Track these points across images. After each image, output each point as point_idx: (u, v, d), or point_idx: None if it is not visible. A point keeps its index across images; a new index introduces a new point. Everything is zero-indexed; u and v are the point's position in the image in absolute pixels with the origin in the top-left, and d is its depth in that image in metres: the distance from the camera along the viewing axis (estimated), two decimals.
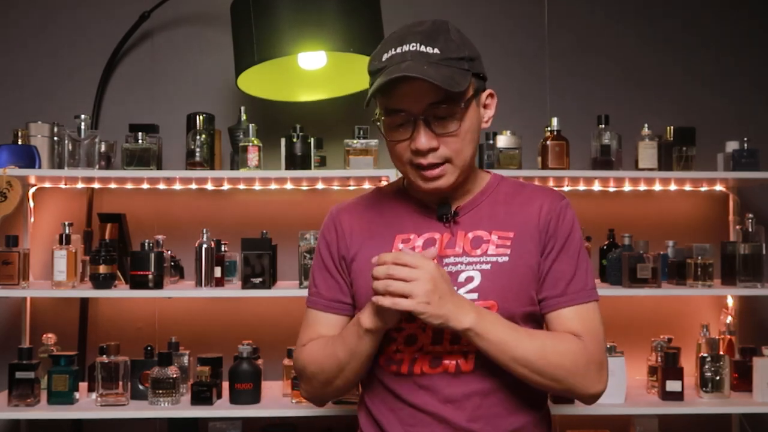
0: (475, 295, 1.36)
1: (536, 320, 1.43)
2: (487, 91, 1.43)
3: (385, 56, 1.35)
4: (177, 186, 2.59)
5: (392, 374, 1.40)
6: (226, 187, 2.61)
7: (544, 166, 2.44)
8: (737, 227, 2.52)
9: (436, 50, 1.32)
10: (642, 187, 2.64)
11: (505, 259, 1.38)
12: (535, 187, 1.50)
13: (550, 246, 1.41)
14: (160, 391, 2.23)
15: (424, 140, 1.33)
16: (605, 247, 2.56)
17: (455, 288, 1.36)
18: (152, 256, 2.30)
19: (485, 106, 1.43)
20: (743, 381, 2.41)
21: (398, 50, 1.33)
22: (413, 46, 1.32)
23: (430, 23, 1.37)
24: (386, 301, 1.25)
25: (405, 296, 1.25)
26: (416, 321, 1.37)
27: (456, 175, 1.38)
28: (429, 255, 1.30)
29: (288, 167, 2.42)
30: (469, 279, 1.37)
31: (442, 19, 1.40)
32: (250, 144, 2.37)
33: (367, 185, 2.55)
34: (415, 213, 1.46)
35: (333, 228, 1.49)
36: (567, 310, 1.39)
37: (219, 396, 2.33)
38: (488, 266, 1.37)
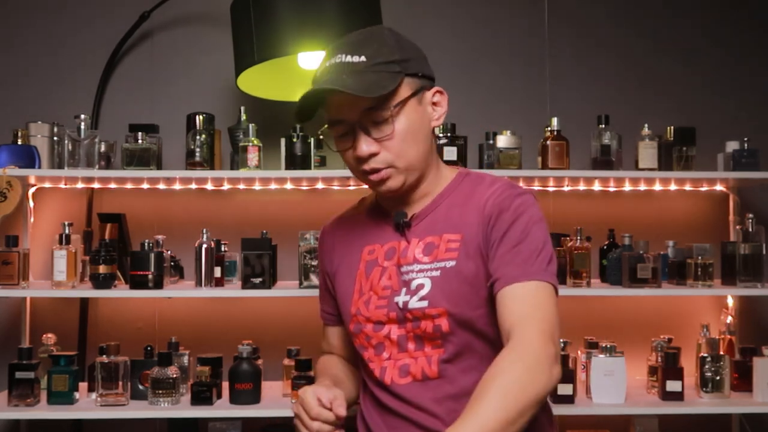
0: (425, 303, 1.35)
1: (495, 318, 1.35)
2: (434, 89, 1.41)
3: (319, 71, 1.37)
4: (177, 186, 2.59)
5: (374, 381, 1.43)
6: (226, 187, 2.61)
7: (544, 166, 2.44)
8: (737, 227, 2.52)
9: (362, 58, 1.32)
10: (642, 187, 2.64)
11: (452, 263, 1.35)
12: (492, 179, 1.42)
13: (492, 239, 1.34)
14: (160, 391, 2.23)
15: (363, 147, 1.34)
16: (605, 247, 2.56)
17: (408, 297, 1.36)
18: (152, 256, 2.29)
19: (434, 104, 1.41)
20: (743, 381, 2.41)
21: (327, 64, 1.35)
22: (338, 58, 1.34)
23: (365, 32, 1.39)
24: None
25: None
26: (382, 330, 1.39)
27: (403, 177, 1.38)
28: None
29: (288, 167, 2.42)
30: (420, 286, 1.36)
31: (383, 25, 1.43)
32: (250, 144, 2.37)
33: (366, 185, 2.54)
34: (381, 223, 1.47)
35: (321, 246, 1.59)
36: (508, 289, 1.28)
37: (219, 396, 2.33)
38: (438, 272, 1.36)
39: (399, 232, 1.43)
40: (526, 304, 1.27)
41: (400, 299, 1.37)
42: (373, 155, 1.35)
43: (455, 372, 1.36)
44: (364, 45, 1.34)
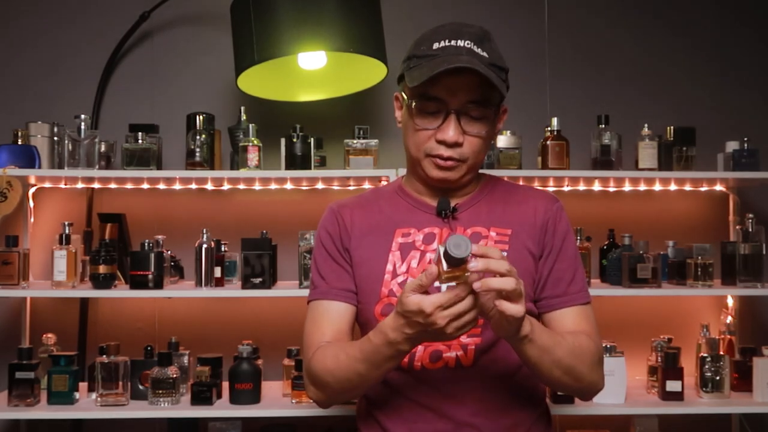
0: None
1: (535, 316, 1.43)
2: (504, 106, 1.46)
3: (436, 45, 1.37)
4: (177, 186, 2.59)
5: (393, 370, 1.40)
6: (226, 187, 2.61)
7: (544, 166, 2.44)
8: (737, 227, 2.52)
9: (485, 54, 1.35)
10: (642, 187, 2.64)
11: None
12: (529, 187, 1.56)
13: (548, 247, 1.45)
14: (160, 391, 2.23)
15: (452, 133, 1.36)
16: (605, 247, 2.56)
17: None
18: (152, 256, 2.29)
19: (499, 120, 1.46)
20: (743, 381, 2.41)
21: (452, 43, 1.36)
22: (467, 44, 1.35)
23: (477, 27, 1.40)
24: (513, 309, 1.16)
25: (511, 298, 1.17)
26: None
27: (464, 172, 1.42)
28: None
29: (288, 167, 2.42)
30: None
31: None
32: (250, 144, 2.37)
33: (367, 185, 2.55)
34: (414, 209, 1.48)
35: (335, 221, 1.50)
36: (569, 309, 1.42)
37: (219, 396, 2.33)
38: None
39: (443, 219, 1.45)
40: (590, 325, 1.43)
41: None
42: (457, 145, 1.37)
43: (488, 362, 1.39)
44: (483, 41, 1.37)
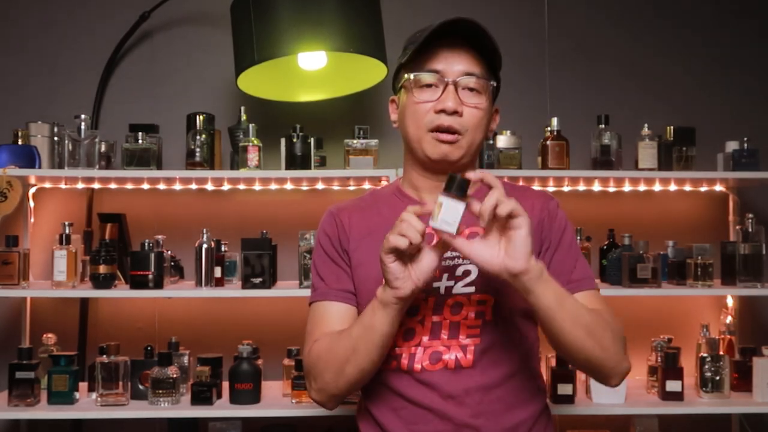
0: (472, 289, 1.38)
1: (532, 318, 1.42)
2: (496, 106, 1.48)
3: (436, 24, 1.41)
4: (177, 186, 2.59)
5: (392, 371, 1.41)
6: (226, 187, 2.61)
7: (544, 166, 2.44)
8: (737, 227, 2.52)
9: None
10: (642, 187, 2.64)
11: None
12: (526, 188, 1.57)
13: (546, 242, 1.44)
14: (160, 391, 2.23)
15: (451, 103, 1.38)
16: (605, 247, 2.56)
17: (452, 282, 1.38)
18: (152, 256, 2.30)
19: (492, 119, 1.48)
20: (743, 381, 2.41)
21: (447, 21, 1.41)
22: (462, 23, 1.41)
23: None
24: (509, 205, 1.22)
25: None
26: (417, 315, 1.38)
27: (464, 151, 1.42)
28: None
29: (288, 167, 2.42)
30: (467, 273, 1.39)
31: None
32: (250, 144, 2.37)
33: (367, 185, 2.55)
34: None
35: (334, 223, 1.51)
36: (577, 295, 1.39)
37: (219, 396, 2.33)
38: None
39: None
40: (603, 305, 1.40)
41: (442, 285, 1.38)
42: (456, 114, 1.39)
43: (488, 363, 1.39)
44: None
